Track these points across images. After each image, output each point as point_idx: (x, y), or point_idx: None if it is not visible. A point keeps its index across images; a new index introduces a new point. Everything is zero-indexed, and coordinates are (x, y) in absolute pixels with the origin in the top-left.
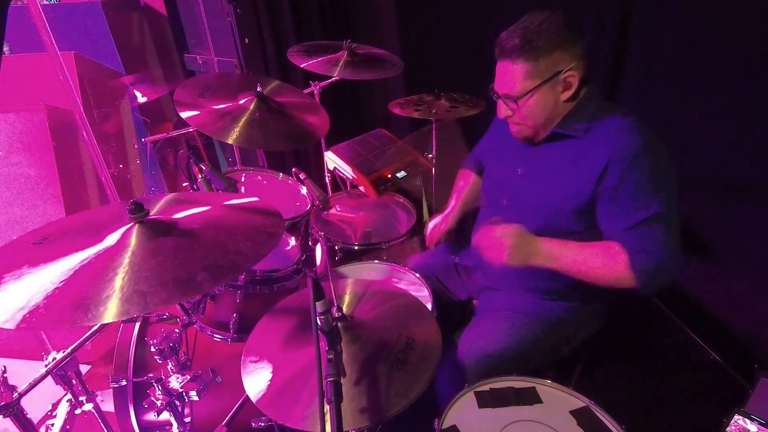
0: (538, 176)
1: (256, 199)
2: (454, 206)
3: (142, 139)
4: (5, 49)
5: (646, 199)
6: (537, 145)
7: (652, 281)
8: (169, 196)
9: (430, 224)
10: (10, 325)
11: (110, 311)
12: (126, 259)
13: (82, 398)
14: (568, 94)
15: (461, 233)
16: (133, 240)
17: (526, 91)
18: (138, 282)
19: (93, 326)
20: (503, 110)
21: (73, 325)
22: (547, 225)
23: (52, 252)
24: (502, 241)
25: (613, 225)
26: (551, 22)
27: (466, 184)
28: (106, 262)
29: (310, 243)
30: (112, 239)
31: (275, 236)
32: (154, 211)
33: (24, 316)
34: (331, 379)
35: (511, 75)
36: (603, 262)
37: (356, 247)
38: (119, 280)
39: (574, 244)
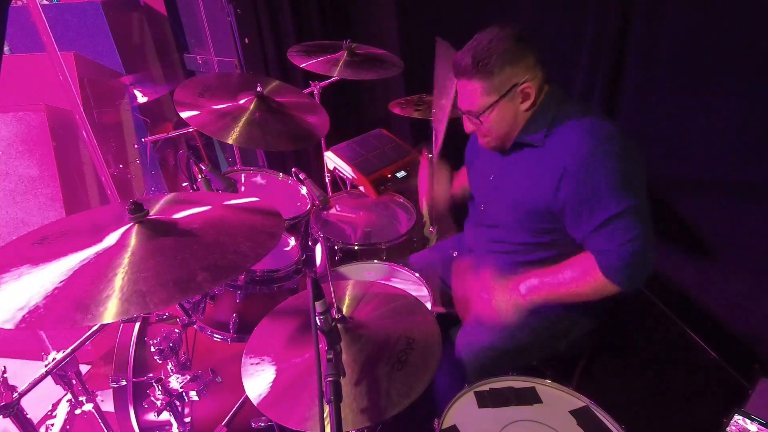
0: (505, 183)
1: (256, 199)
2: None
3: (142, 139)
4: (5, 49)
5: (604, 201)
6: (507, 154)
7: (627, 278)
8: (169, 196)
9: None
10: (10, 325)
11: (110, 311)
12: (126, 259)
13: (82, 398)
14: (527, 104)
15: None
16: (133, 240)
17: (486, 106)
18: (138, 282)
19: (93, 326)
20: (468, 125)
21: (73, 325)
22: (521, 227)
23: (52, 252)
24: (489, 303)
25: (578, 230)
26: (499, 40)
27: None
28: (105, 262)
29: (310, 243)
30: (111, 239)
31: (275, 236)
32: (153, 211)
33: (24, 316)
34: (331, 379)
35: (470, 93)
36: (579, 278)
37: (356, 247)
38: (119, 280)
39: (552, 273)
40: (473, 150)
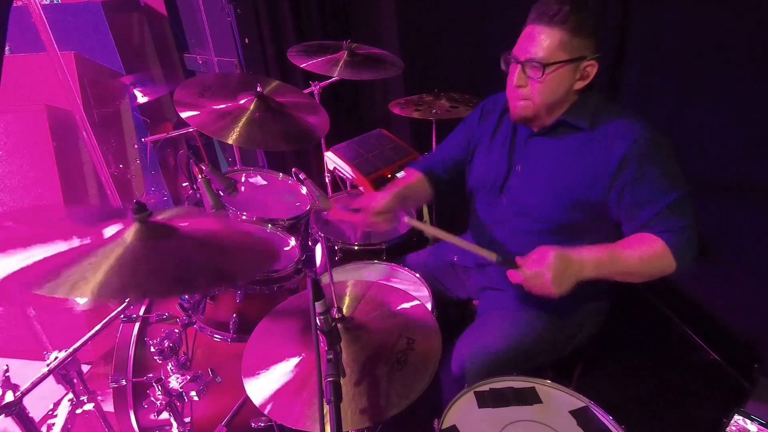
0: (540, 171)
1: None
2: (385, 193)
3: (142, 139)
4: (5, 48)
5: (668, 185)
6: (533, 137)
7: (688, 257)
8: (175, 209)
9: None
10: None
11: (86, 289)
12: (117, 251)
13: (83, 398)
14: (582, 84)
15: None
16: (129, 236)
17: (554, 61)
18: (126, 272)
19: (93, 327)
20: (518, 78)
21: (42, 291)
22: (552, 218)
23: (48, 234)
24: (543, 275)
25: (638, 214)
26: (597, 8)
27: (409, 180)
28: (95, 248)
29: (309, 243)
30: (108, 232)
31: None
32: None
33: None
34: (331, 379)
35: (547, 40)
36: (644, 254)
37: (356, 247)
38: (105, 265)
39: (611, 246)
40: (473, 146)
